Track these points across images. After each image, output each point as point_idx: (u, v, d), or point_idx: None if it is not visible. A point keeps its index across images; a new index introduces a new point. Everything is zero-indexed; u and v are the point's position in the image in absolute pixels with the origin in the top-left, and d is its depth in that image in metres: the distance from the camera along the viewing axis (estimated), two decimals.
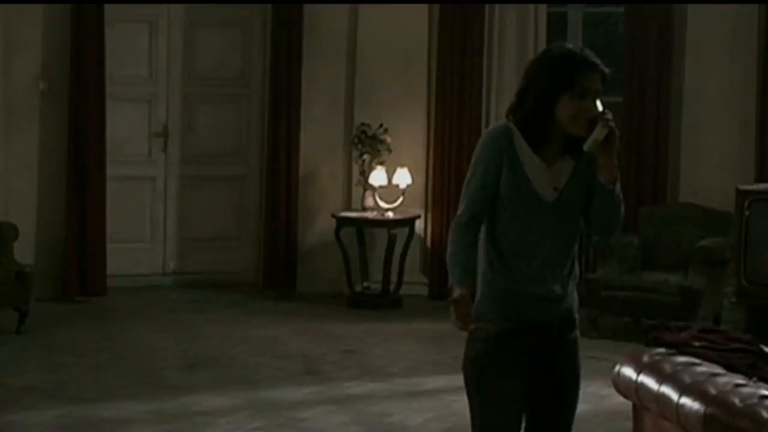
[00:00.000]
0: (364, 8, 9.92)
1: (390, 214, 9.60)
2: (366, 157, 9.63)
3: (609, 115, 3.54)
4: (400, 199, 9.60)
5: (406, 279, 9.68)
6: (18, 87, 9.36)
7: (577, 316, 3.79)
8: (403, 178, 9.59)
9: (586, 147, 3.54)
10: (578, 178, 3.63)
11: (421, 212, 9.87)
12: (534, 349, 3.67)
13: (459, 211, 3.71)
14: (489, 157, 3.63)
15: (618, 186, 3.62)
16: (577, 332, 3.78)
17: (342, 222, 9.62)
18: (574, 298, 3.75)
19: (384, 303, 9.51)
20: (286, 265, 9.91)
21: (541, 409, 3.74)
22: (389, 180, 9.56)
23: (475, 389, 3.68)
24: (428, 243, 9.91)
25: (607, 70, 3.61)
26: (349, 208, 9.88)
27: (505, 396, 3.64)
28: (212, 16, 10.22)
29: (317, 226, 9.97)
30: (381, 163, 9.57)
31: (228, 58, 10.32)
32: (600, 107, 3.57)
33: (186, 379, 7.20)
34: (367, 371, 7.45)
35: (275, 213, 9.95)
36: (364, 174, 9.64)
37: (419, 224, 9.83)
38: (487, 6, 9.75)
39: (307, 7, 9.90)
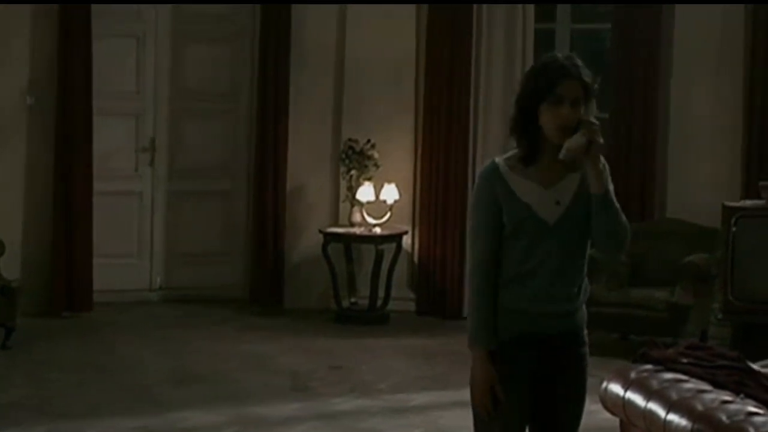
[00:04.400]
0: (351, 24, 9.94)
1: (377, 230, 9.60)
2: (353, 172, 9.63)
3: (592, 124, 3.53)
4: (388, 214, 9.60)
5: (393, 294, 9.68)
6: (5, 102, 9.35)
7: (585, 332, 3.78)
8: (390, 193, 9.59)
9: (561, 155, 3.54)
10: (584, 190, 3.63)
11: (409, 228, 9.87)
12: (536, 362, 3.67)
13: (475, 255, 3.72)
14: (485, 198, 3.67)
15: (610, 197, 3.60)
16: (586, 349, 3.77)
17: (329, 237, 9.61)
18: (582, 314, 3.75)
19: (371, 319, 9.50)
20: (274, 281, 9.90)
21: (542, 423, 3.76)
22: (377, 195, 9.57)
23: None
24: (415, 258, 9.91)
25: (588, 78, 3.60)
26: (336, 224, 9.88)
27: (504, 407, 3.64)
28: (199, 31, 10.22)
29: (304, 242, 9.97)
30: (368, 179, 9.57)
31: (215, 73, 10.32)
32: (588, 116, 3.56)
33: (173, 395, 7.19)
34: (355, 387, 7.44)
35: (262, 228, 9.94)
36: (352, 189, 9.64)
37: (407, 240, 9.83)
38: (475, 23, 9.76)
39: (295, 23, 9.91)
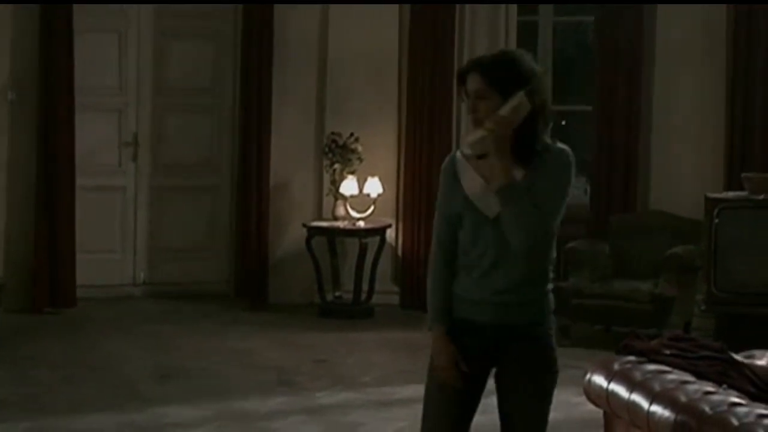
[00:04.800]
0: (334, 18, 9.93)
1: (361, 224, 9.60)
2: (337, 166, 9.62)
3: (496, 117, 3.55)
4: (371, 208, 9.60)
5: (377, 288, 9.68)
6: None
7: (544, 327, 3.78)
8: (374, 187, 9.59)
9: (462, 149, 3.67)
10: (526, 184, 3.63)
11: (393, 221, 9.87)
12: (477, 350, 3.76)
13: (434, 241, 3.85)
14: (443, 187, 3.80)
15: (508, 192, 3.57)
16: (534, 345, 3.76)
17: (313, 231, 9.61)
18: (536, 308, 3.75)
19: (356, 312, 9.50)
20: (258, 275, 9.89)
21: (501, 413, 3.90)
22: (360, 189, 9.56)
23: (426, 379, 3.94)
24: (399, 252, 9.91)
25: (496, 71, 3.62)
26: (320, 218, 9.87)
27: (439, 385, 3.87)
28: (182, 26, 10.21)
29: (288, 236, 9.96)
30: (352, 173, 9.57)
31: (198, 68, 10.30)
32: (505, 108, 3.56)
33: (157, 390, 7.17)
34: (339, 381, 7.44)
35: (246, 223, 9.93)
36: (335, 183, 9.64)
37: (390, 233, 9.83)
38: (458, 14, 9.77)
39: (277, 17, 9.90)
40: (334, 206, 9.67)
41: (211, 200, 10.33)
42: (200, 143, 10.31)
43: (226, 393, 7.08)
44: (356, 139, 9.59)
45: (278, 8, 9.91)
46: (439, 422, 3.93)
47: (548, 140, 3.72)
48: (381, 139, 9.86)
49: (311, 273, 9.66)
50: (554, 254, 3.79)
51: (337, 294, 9.73)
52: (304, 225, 9.66)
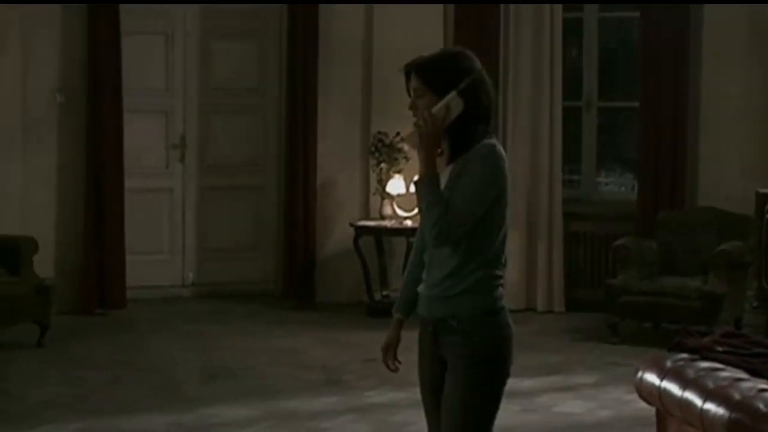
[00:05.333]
0: (379, 16, 9.93)
1: (408, 223, 9.58)
2: (383, 165, 9.62)
3: (425, 114, 3.60)
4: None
5: None
6: (36, 100, 9.38)
7: (475, 321, 3.68)
8: None
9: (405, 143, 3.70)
10: (453, 181, 3.67)
11: None
12: (430, 344, 3.81)
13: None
14: None
15: (420, 187, 3.62)
16: (464, 339, 3.68)
17: (360, 231, 9.61)
18: (464, 302, 3.68)
19: None
20: (305, 275, 9.91)
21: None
22: (407, 188, 9.55)
23: None
24: None
25: (420, 67, 3.71)
26: (367, 217, 9.87)
27: (420, 384, 3.98)
28: (228, 27, 10.24)
29: (335, 236, 9.97)
30: (398, 172, 9.56)
31: (244, 68, 10.34)
32: (437, 106, 3.61)
33: (206, 390, 7.20)
34: (388, 380, 7.35)
35: (293, 223, 9.95)
36: (382, 183, 9.63)
37: None
38: (502, 11, 9.74)
39: (322, 17, 9.91)
40: (381, 205, 9.67)
41: (258, 200, 10.35)
42: (246, 143, 10.35)
43: (274, 393, 7.09)
44: (402, 138, 9.57)
45: (323, 8, 9.92)
46: (428, 419, 4.04)
47: (487, 138, 3.70)
48: None
49: (358, 272, 9.66)
50: (491, 249, 3.67)
51: (384, 293, 9.73)
52: (351, 224, 9.66)
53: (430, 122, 3.60)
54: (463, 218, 3.59)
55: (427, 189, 3.60)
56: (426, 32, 9.84)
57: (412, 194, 9.46)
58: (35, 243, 8.49)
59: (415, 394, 6.96)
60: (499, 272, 3.70)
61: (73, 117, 9.48)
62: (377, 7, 9.93)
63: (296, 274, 9.92)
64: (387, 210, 9.64)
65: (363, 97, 10.04)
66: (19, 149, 9.28)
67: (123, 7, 9.51)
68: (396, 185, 9.51)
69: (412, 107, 3.70)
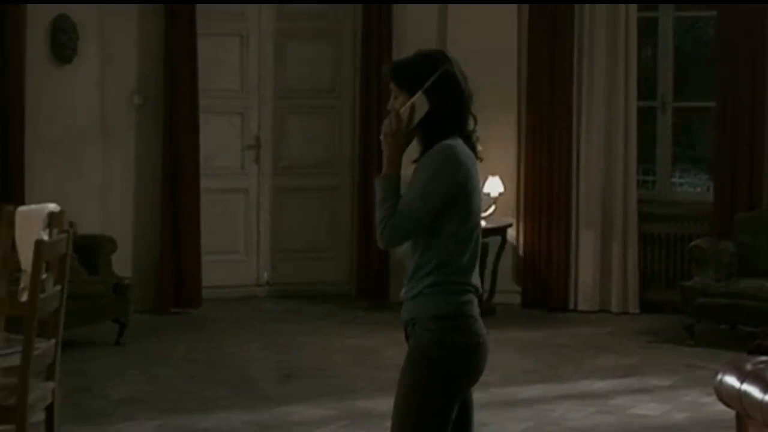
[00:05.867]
0: (453, 16, 9.94)
1: (482, 223, 9.54)
2: None
3: (392, 114, 3.63)
4: (492, 207, 9.57)
5: (498, 287, 9.65)
6: (114, 102, 9.51)
7: (426, 324, 3.60)
8: (494, 186, 9.57)
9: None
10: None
11: (513, 221, 9.84)
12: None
13: None
14: None
15: (377, 185, 3.63)
16: (418, 341, 3.61)
17: None
18: (422, 305, 3.63)
19: None
20: (379, 275, 9.94)
21: None
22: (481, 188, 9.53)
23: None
24: (521, 251, 9.88)
25: (394, 68, 3.73)
26: None
27: None
28: (302, 28, 10.31)
29: None
30: None
31: (318, 70, 10.39)
32: (404, 107, 3.63)
33: (281, 389, 7.25)
34: None
35: (367, 223, 9.96)
36: None
37: (511, 233, 9.80)
38: (576, 10, 9.71)
39: (396, 17, 9.94)
40: None
41: (332, 201, 10.41)
42: (321, 144, 10.40)
43: (350, 392, 7.13)
44: (476, 139, 9.55)
45: (397, 8, 9.95)
46: None
47: (451, 139, 3.66)
48: (501, 138, 9.82)
49: None
50: (444, 252, 3.60)
51: None
52: None
53: (394, 122, 3.62)
54: (406, 219, 3.56)
55: (379, 187, 3.62)
56: (499, 32, 9.85)
57: (485, 194, 9.51)
58: (114, 243, 8.62)
59: (490, 393, 7.04)
60: (457, 278, 3.61)
61: (151, 118, 9.59)
62: (451, 7, 9.94)
63: (370, 274, 9.96)
64: None
65: None
66: (97, 150, 9.41)
67: (199, 10, 9.61)
68: None
69: (390, 106, 3.71)
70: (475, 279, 3.67)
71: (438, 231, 3.59)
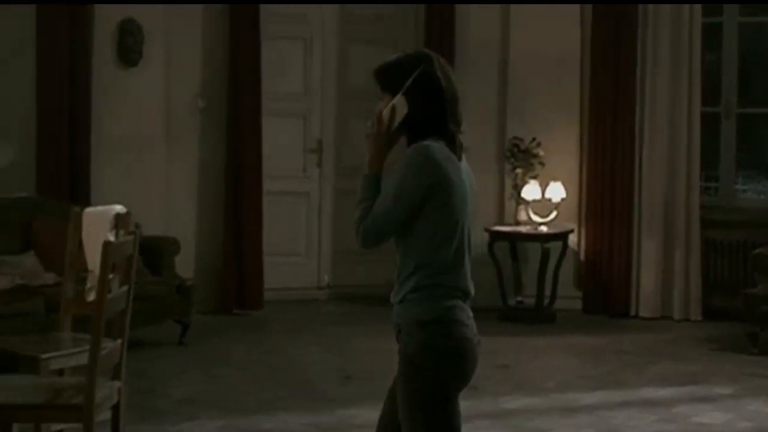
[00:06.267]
0: (515, 18, 9.93)
1: (543, 228, 9.56)
2: (519, 171, 9.61)
3: (374, 116, 3.63)
4: (554, 213, 9.55)
5: (559, 293, 9.63)
6: (178, 105, 9.60)
7: (410, 330, 3.58)
8: (556, 191, 9.54)
9: None
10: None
11: (575, 226, 9.81)
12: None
13: None
14: None
15: (361, 182, 3.63)
16: (407, 349, 3.59)
17: (495, 236, 9.61)
18: (407, 311, 3.61)
19: (538, 317, 9.47)
20: None
21: None
22: (542, 194, 9.53)
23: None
24: (582, 257, 9.85)
25: (379, 70, 3.71)
26: (502, 222, 9.87)
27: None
28: (364, 32, 10.35)
29: None
30: (534, 177, 9.55)
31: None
32: (385, 109, 3.63)
33: (341, 391, 7.28)
34: (522, 386, 7.43)
35: None
36: (517, 188, 9.63)
37: (573, 238, 9.77)
38: (640, 14, 9.66)
39: (459, 19, 9.95)
40: (516, 211, 9.67)
41: None
42: None
43: None
44: (538, 144, 9.56)
45: (459, 10, 9.96)
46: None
47: (432, 140, 3.62)
48: (563, 143, 9.81)
49: (492, 277, 9.67)
50: (423, 255, 3.58)
51: (518, 299, 9.72)
52: (486, 229, 9.67)
53: (376, 124, 3.63)
54: (379, 219, 3.56)
55: (364, 186, 3.61)
56: (563, 33, 9.83)
57: (547, 200, 9.51)
58: (177, 244, 8.69)
59: (550, 399, 7.03)
60: (440, 281, 3.57)
61: (214, 121, 9.67)
62: (513, 8, 9.94)
63: None
64: (522, 215, 9.63)
65: (498, 102, 10.05)
66: (161, 152, 9.50)
67: (263, 13, 9.67)
68: (531, 190, 9.50)
69: (376, 108, 3.72)
70: (463, 280, 3.63)
71: (416, 232, 3.57)
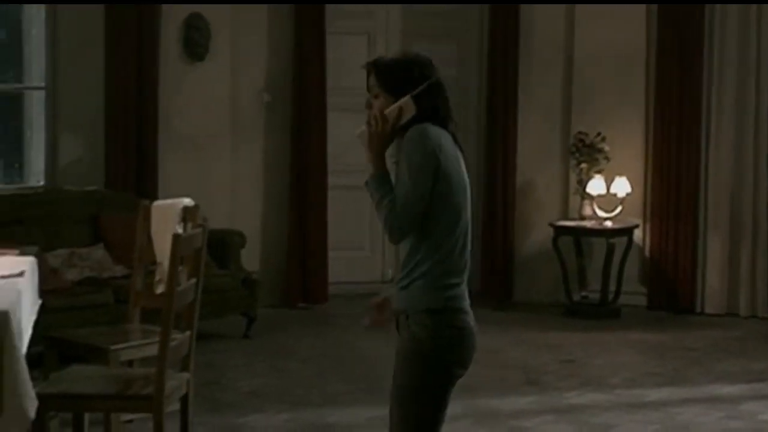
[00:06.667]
0: (580, 16, 9.89)
1: (608, 224, 9.52)
2: (583, 166, 9.58)
3: (376, 115, 3.67)
4: (619, 208, 9.51)
5: (624, 289, 9.58)
6: (243, 100, 9.67)
7: (418, 318, 3.68)
8: (621, 186, 9.50)
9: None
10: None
11: (640, 221, 9.76)
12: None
13: None
14: None
15: (367, 186, 3.70)
16: (415, 334, 3.68)
17: (559, 231, 9.59)
18: (414, 297, 3.69)
19: (602, 313, 9.43)
20: (503, 274, 9.95)
21: None
22: (607, 189, 9.49)
23: None
24: (647, 252, 9.79)
25: (378, 69, 3.74)
26: (566, 217, 9.85)
27: None
28: (428, 27, 10.34)
29: (534, 235, 9.98)
30: (599, 172, 9.51)
31: (443, 69, 10.31)
32: (390, 108, 3.68)
33: None
34: (588, 381, 7.41)
35: (492, 222, 9.99)
36: (582, 183, 9.59)
37: (638, 233, 9.72)
38: (707, 13, 9.58)
39: (523, 16, 9.93)
40: (581, 206, 9.63)
41: None
42: None
43: (475, 390, 7.12)
44: (603, 139, 9.52)
45: (524, 7, 9.94)
46: None
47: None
48: (628, 138, 9.76)
49: (557, 272, 9.65)
50: (436, 239, 3.67)
51: (583, 294, 9.69)
52: (551, 224, 9.65)
53: (380, 122, 3.67)
54: (409, 209, 3.61)
55: (375, 186, 3.66)
56: (628, 32, 9.77)
57: (612, 195, 9.46)
58: (243, 237, 8.76)
59: (615, 395, 7.01)
60: (447, 268, 3.67)
61: (279, 116, 9.73)
62: (579, 7, 9.90)
63: (494, 272, 9.97)
64: (587, 210, 9.60)
65: (563, 97, 10.02)
66: (228, 147, 9.57)
67: (328, 9, 9.71)
68: (596, 185, 9.47)
69: (367, 106, 3.75)
70: (465, 268, 3.75)
71: (424, 217, 3.64)
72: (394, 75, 3.72)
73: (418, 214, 3.62)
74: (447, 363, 3.69)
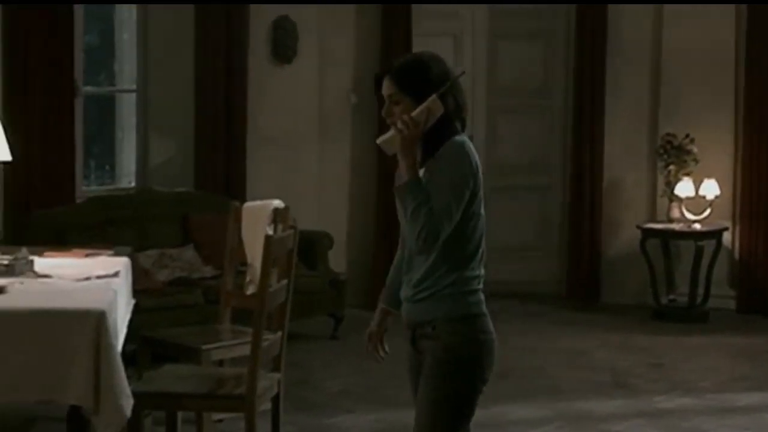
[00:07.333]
0: (669, 16, 9.80)
1: (697, 226, 9.42)
2: (672, 167, 9.49)
3: (407, 119, 3.59)
4: (708, 210, 9.41)
5: (713, 292, 9.48)
6: (331, 101, 9.72)
7: (451, 326, 3.69)
8: (710, 189, 9.40)
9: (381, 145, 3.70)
10: (426, 181, 3.66)
11: (729, 224, 9.65)
12: (411, 347, 3.87)
13: None
14: None
15: (401, 193, 3.63)
16: (448, 342, 3.69)
17: (647, 233, 9.52)
18: (442, 305, 3.69)
19: (690, 316, 9.34)
20: (590, 276, 9.90)
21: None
22: (696, 191, 9.40)
23: None
24: (736, 256, 9.68)
25: (395, 73, 3.68)
26: (654, 220, 9.76)
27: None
28: (515, 28, 10.33)
29: (621, 237, 9.91)
30: (687, 174, 9.41)
31: (530, 69, 10.40)
32: (417, 110, 3.62)
33: (494, 388, 7.15)
34: (677, 385, 7.35)
35: (578, 223, 9.95)
36: (670, 185, 9.50)
37: (727, 236, 9.61)
38: None
39: (611, 18, 9.87)
40: (669, 208, 9.54)
41: (543, 200, 10.40)
42: (532, 144, 10.41)
43: (562, 393, 7.13)
44: (692, 140, 9.42)
45: (612, 8, 9.88)
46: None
47: (457, 136, 3.69)
48: (717, 140, 9.65)
49: (644, 275, 9.58)
50: (465, 249, 3.70)
51: (670, 297, 9.60)
52: (638, 226, 9.58)
53: (412, 126, 3.61)
54: (444, 220, 3.60)
55: (414, 192, 3.60)
56: (717, 32, 9.67)
57: (701, 197, 9.36)
58: (330, 239, 8.80)
59: (705, 399, 6.94)
60: (473, 273, 3.71)
61: (366, 117, 9.74)
62: (667, 7, 9.81)
63: (581, 274, 9.93)
64: (675, 212, 9.51)
65: (651, 98, 9.94)
66: (315, 148, 9.63)
67: (414, 10, 9.74)
68: (685, 187, 9.37)
69: (388, 113, 3.70)
70: (483, 273, 3.76)
71: (456, 229, 3.66)
72: (414, 77, 3.69)
73: (449, 229, 3.64)
74: (482, 367, 3.73)
